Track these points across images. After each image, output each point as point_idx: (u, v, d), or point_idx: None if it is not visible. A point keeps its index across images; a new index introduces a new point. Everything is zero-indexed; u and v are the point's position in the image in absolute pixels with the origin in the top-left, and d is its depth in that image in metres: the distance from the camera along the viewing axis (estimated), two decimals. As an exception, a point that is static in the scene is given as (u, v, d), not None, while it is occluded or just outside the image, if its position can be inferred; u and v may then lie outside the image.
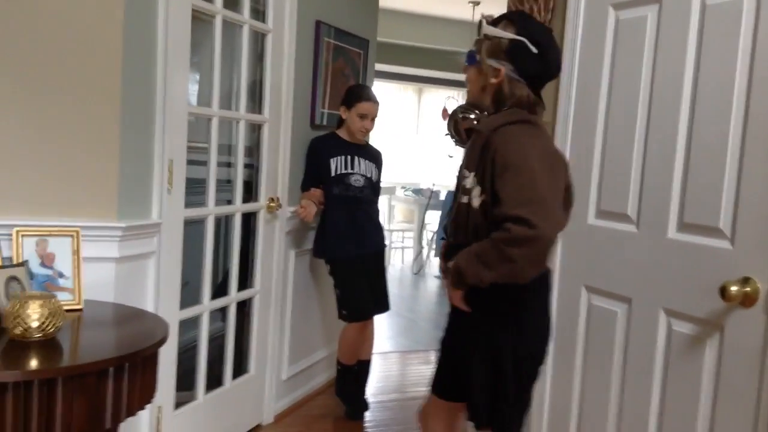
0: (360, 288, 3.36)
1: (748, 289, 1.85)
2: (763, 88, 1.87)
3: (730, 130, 1.94)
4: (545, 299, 1.98)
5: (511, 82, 1.83)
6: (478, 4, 8.02)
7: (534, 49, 1.79)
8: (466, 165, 1.87)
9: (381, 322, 3.76)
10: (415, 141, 10.62)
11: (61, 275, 2.07)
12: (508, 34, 1.82)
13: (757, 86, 1.88)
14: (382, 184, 3.63)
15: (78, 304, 2.06)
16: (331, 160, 3.36)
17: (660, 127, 2.15)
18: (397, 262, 8.58)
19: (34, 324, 1.70)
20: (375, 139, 4.21)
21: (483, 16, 1.87)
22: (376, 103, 3.39)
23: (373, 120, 3.37)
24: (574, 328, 2.45)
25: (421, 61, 9.64)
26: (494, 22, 1.88)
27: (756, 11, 1.89)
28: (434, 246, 8.13)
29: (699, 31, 2.05)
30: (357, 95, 3.37)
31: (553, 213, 1.68)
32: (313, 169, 3.40)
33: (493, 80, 1.85)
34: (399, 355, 4.76)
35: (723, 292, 1.86)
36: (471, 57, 1.92)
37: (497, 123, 1.80)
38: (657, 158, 2.16)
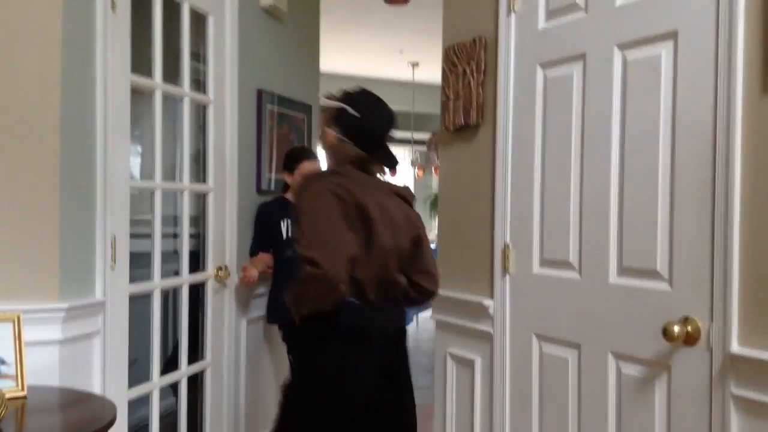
0: None
1: (689, 328, 1.91)
2: (685, 134, 1.97)
3: (659, 175, 2.03)
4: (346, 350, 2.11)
5: (340, 143, 2.18)
6: (417, 65, 8.26)
7: (356, 113, 2.14)
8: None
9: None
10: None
11: (2, 362, 2.00)
12: (333, 103, 2.19)
13: (680, 132, 1.98)
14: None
15: (22, 390, 1.99)
16: (281, 222, 3.37)
17: (593, 176, 2.23)
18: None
19: (-26, 415, 1.64)
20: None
21: (326, 92, 2.28)
22: (317, 161, 3.44)
23: None
24: (528, 376, 2.47)
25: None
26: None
27: (674, 63, 2.01)
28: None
29: (622, 84, 2.16)
30: (296, 157, 3.43)
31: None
32: (263, 233, 3.40)
33: (326, 143, 2.23)
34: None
35: (665, 332, 1.91)
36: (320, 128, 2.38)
37: (311, 178, 2.24)
38: (593, 206, 2.23)
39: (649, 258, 2.05)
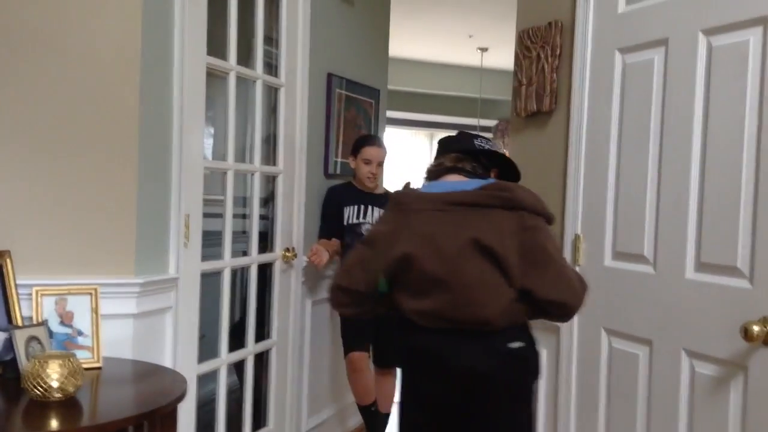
0: (361, 327, 3.37)
1: (770, 328, 1.83)
2: (773, 126, 1.87)
3: (743, 168, 1.94)
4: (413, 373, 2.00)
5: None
6: (486, 50, 8.14)
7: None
8: None
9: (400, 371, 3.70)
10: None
11: (80, 333, 2.08)
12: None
13: (767, 124, 1.89)
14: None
15: (97, 362, 2.07)
16: (345, 208, 3.39)
17: (672, 167, 2.15)
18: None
19: (54, 384, 1.71)
20: (390, 185, 4.24)
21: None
22: (380, 148, 3.44)
23: (379, 165, 3.42)
24: (595, 371, 2.42)
25: (431, 107, 9.76)
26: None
27: (762, 51, 1.91)
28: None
29: (707, 72, 2.07)
30: (361, 142, 3.45)
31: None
32: (330, 216, 3.43)
33: None
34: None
35: (745, 332, 1.84)
36: None
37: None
38: (671, 198, 2.15)
39: (730, 254, 1.96)
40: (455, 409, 1.88)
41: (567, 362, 2.52)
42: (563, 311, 1.86)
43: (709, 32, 2.07)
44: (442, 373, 1.87)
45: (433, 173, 2.04)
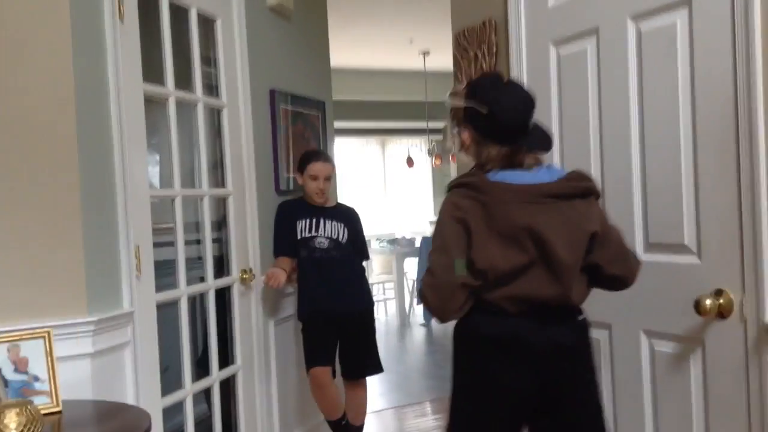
0: (323, 341, 3.38)
1: (721, 301, 1.88)
2: (706, 103, 1.93)
3: (681, 147, 1.99)
4: (483, 362, 1.90)
5: (477, 144, 1.91)
6: (427, 54, 8.21)
7: (483, 110, 1.86)
8: None
9: (372, 380, 3.71)
10: (383, 192, 10.70)
11: (36, 379, 2.02)
12: (460, 103, 1.93)
13: (700, 101, 1.94)
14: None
15: (56, 406, 2.01)
16: (298, 222, 3.38)
17: (614, 152, 2.20)
18: (381, 315, 8.52)
19: (12, 433, 1.66)
20: (344, 196, 4.24)
21: (450, 90, 2.00)
22: (326, 162, 3.43)
23: (327, 180, 3.40)
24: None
25: (380, 114, 9.80)
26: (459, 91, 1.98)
27: (689, 32, 1.96)
28: (416, 294, 8.11)
29: (638, 57, 2.12)
30: (306, 159, 3.43)
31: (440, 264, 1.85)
32: (283, 232, 3.41)
33: (464, 143, 1.96)
34: (394, 412, 4.69)
35: (698, 306, 1.88)
36: (450, 129, 2.04)
37: (450, 185, 1.94)
38: (615, 183, 2.20)
39: (677, 232, 2.01)
40: (550, 392, 1.88)
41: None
42: (622, 284, 1.98)
43: (637, 17, 2.12)
44: (528, 357, 1.86)
45: (507, 160, 1.89)
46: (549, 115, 2.43)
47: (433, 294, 1.85)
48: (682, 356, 2.02)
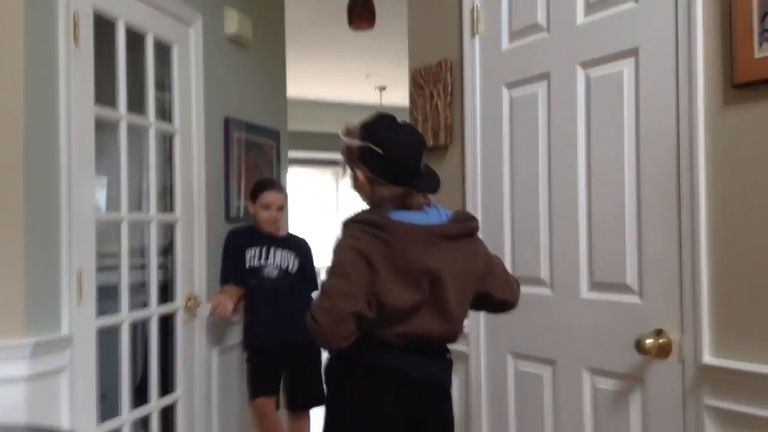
0: (268, 371, 3.34)
1: (661, 340, 1.93)
2: (649, 148, 2.00)
3: (625, 190, 2.06)
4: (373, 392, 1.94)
5: (371, 184, 1.93)
6: (384, 89, 8.31)
7: (380, 151, 1.89)
8: None
9: (315, 411, 3.66)
10: (337, 221, 10.68)
11: (-36, 403, 1.94)
12: (356, 142, 1.94)
13: (644, 146, 2.01)
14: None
15: (-15, 431, 1.93)
16: (247, 251, 3.35)
17: (561, 192, 2.26)
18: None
19: (-65, 460, 1.58)
20: (297, 226, 4.23)
21: (345, 128, 2.01)
22: (279, 192, 3.42)
23: (279, 209, 3.39)
24: (504, 394, 2.46)
25: (334, 146, 9.76)
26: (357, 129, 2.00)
27: (635, 80, 2.05)
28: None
29: (586, 102, 2.19)
30: (259, 187, 3.41)
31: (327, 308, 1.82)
32: (231, 260, 3.37)
33: (356, 182, 1.97)
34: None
35: (638, 345, 1.92)
36: (342, 167, 2.05)
37: (346, 221, 1.94)
38: (562, 223, 2.25)
39: (619, 272, 2.07)
40: (414, 421, 1.96)
41: (476, 388, 2.55)
42: (509, 307, 2.10)
43: (586, 65, 2.19)
44: (406, 388, 1.93)
45: (400, 201, 1.93)
46: (500, 154, 2.48)
47: (326, 317, 1.79)
48: (623, 394, 2.06)
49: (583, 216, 2.19)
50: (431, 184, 1.98)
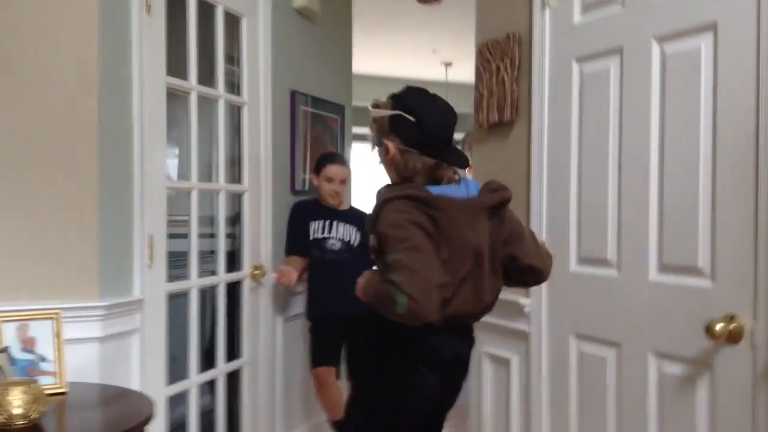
0: (329, 341, 3.39)
1: (732, 326, 1.86)
2: (727, 127, 1.92)
3: (700, 169, 1.99)
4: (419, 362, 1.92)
5: (403, 155, 1.90)
6: (450, 65, 8.23)
7: (412, 119, 1.87)
8: (370, 229, 1.88)
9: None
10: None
11: (43, 359, 2.04)
12: (386, 112, 1.91)
13: (721, 125, 1.93)
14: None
15: (62, 387, 2.03)
16: (311, 223, 3.40)
17: (632, 171, 2.19)
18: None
19: (17, 411, 1.67)
20: (358, 201, 4.25)
21: (373, 102, 1.99)
22: (342, 166, 3.45)
23: (342, 183, 3.43)
24: (566, 375, 2.44)
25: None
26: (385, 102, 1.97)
27: (714, 56, 1.96)
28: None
29: (661, 78, 2.11)
30: (323, 160, 3.46)
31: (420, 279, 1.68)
32: (296, 231, 3.43)
33: (387, 156, 1.93)
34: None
35: (708, 330, 1.87)
36: (371, 143, 2.03)
37: (387, 196, 1.83)
38: (632, 202, 2.19)
39: (691, 254, 2.00)
40: (442, 398, 2.00)
41: (537, 369, 2.53)
42: (538, 275, 2.05)
43: (661, 39, 2.11)
44: (442, 368, 1.94)
45: (431, 172, 1.90)
46: (568, 130, 2.43)
47: (419, 291, 1.63)
48: (690, 380, 2.00)
49: (654, 196, 2.12)
50: (461, 158, 1.95)
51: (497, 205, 1.92)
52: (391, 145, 1.91)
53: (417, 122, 1.87)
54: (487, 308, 1.97)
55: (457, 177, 1.94)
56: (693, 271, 2.00)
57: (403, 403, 1.94)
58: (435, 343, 1.91)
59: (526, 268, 2.00)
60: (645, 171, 2.14)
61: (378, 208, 1.82)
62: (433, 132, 1.88)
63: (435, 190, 1.85)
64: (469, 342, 2.04)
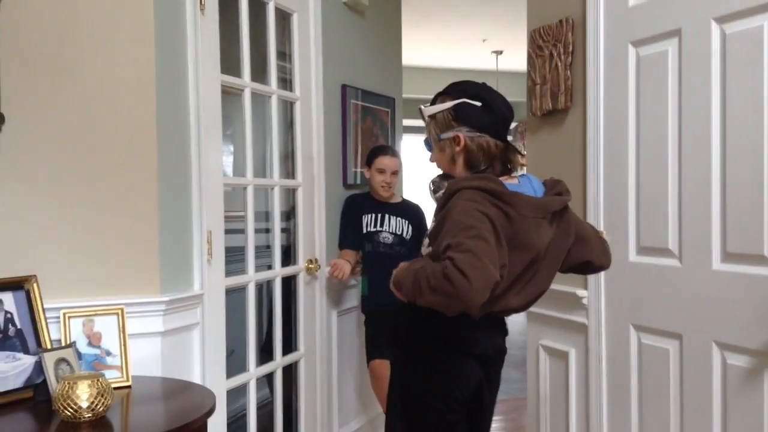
0: (384, 334, 3.37)
1: (802, 316, 1.79)
2: (792, 111, 1.85)
3: (764, 155, 1.92)
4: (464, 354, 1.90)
5: (474, 141, 1.86)
6: (500, 53, 8.13)
7: (477, 103, 1.85)
8: (435, 212, 1.86)
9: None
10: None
11: (108, 353, 2.11)
12: (447, 103, 1.88)
13: (786, 109, 1.86)
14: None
15: (126, 381, 2.09)
16: (363, 217, 3.42)
17: (693, 158, 2.13)
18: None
19: (84, 404, 1.73)
20: (409, 193, 4.25)
21: (422, 107, 1.96)
22: (393, 157, 3.46)
23: (393, 174, 3.43)
24: (625, 367, 2.39)
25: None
26: (432, 102, 1.95)
27: (777, 35, 1.89)
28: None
29: (722, 60, 2.05)
30: (374, 152, 3.48)
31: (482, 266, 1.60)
32: (349, 225, 3.45)
33: (457, 148, 1.88)
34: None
35: (776, 321, 1.80)
36: (428, 143, 1.99)
37: (460, 185, 1.77)
38: (693, 189, 2.13)
39: (756, 242, 1.93)
40: (482, 392, 1.97)
41: (596, 361, 2.49)
42: (602, 269, 2.07)
43: (721, 20, 2.04)
44: (483, 361, 1.93)
45: (504, 155, 1.89)
46: (625, 117, 2.37)
47: (478, 277, 1.55)
48: (756, 371, 1.94)
49: (717, 183, 2.05)
50: (518, 148, 1.94)
51: (560, 209, 1.87)
52: (461, 136, 1.86)
53: (483, 105, 1.85)
54: (528, 306, 1.94)
55: (521, 163, 1.94)
56: (759, 259, 1.93)
57: (446, 394, 1.91)
58: (476, 336, 1.89)
59: (597, 268, 2.04)
60: (707, 156, 2.08)
61: (450, 194, 1.77)
62: (501, 112, 1.87)
63: (510, 187, 1.79)
64: (505, 333, 2.03)
